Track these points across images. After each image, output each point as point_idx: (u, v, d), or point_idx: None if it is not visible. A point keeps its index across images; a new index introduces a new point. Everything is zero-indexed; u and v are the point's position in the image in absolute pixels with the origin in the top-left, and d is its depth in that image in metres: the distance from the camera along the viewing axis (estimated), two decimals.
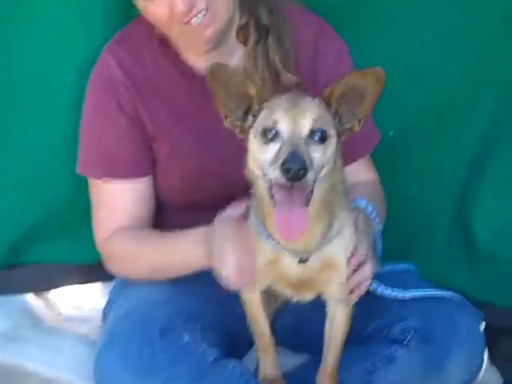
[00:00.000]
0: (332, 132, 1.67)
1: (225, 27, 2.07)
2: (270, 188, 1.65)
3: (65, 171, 2.32)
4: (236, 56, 2.18)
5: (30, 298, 2.73)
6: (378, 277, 2.02)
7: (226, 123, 1.77)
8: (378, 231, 2.13)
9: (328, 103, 1.69)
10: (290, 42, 2.14)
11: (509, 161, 2.45)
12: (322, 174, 1.67)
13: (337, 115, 1.71)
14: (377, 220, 2.09)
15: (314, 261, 1.83)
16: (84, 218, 2.28)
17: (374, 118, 2.27)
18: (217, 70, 1.68)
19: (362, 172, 2.29)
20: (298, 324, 2.27)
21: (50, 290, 2.72)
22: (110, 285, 2.46)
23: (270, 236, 1.80)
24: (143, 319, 1.99)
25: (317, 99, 1.69)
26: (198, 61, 2.15)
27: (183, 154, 2.18)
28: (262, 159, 1.66)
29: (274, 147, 1.64)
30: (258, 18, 2.13)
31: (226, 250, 1.82)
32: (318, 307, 2.00)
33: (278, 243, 1.80)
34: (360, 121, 1.72)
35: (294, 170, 1.53)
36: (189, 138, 2.17)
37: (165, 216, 2.31)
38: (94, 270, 2.54)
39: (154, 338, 1.94)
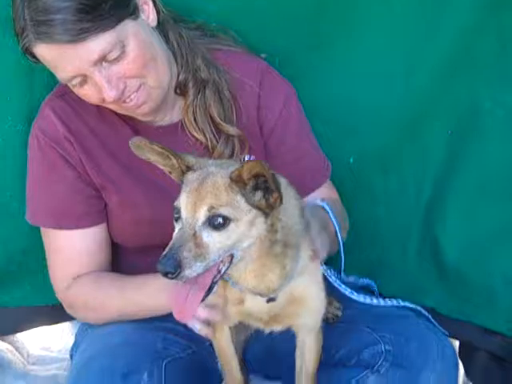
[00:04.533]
0: (240, 215, 1.61)
1: (161, 100, 2.04)
2: None
3: (22, 216, 2.25)
4: (177, 107, 2.17)
5: None
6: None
7: (173, 177, 1.76)
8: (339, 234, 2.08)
9: (243, 182, 1.62)
10: (229, 93, 2.14)
11: (470, 181, 2.46)
12: (244, 247, 1.64)
13: (256, 192, 1.64)
14: (331, 214, 2.04)
15: (278, 298, 1.81)
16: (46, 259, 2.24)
17: (333, 147, 2.34)
18: (139, 144, 1.70)
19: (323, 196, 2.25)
20: (269, 352, 2.24)
21: (17, 332, 2.68)
22: (78, 324, 2.42)
23: (233, 281, 1.78)
24: (106, 365, 1.92)
25: (227, 180, 1.62)
26: None
27: (134, 203, 2.15)
28: None
29: (177, 228, 1.64)
30: (196, 71, 2.11)
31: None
32: (288, 334, 1.97)
33: (242, 288, 1.78)
34: (276, 198, 1.63)
35: (162, 272, 1.55)
36: (139, 187, 2.15)
37: (120, 257, 2.28)
38: (60, 310, 2.47)
39: None
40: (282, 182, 1.69)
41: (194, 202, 1.61)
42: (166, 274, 1.55)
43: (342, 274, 2.10)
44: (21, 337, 2.74)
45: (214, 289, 1.66)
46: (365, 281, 2.30)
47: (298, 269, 1.78)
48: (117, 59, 1.89)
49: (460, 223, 2.50)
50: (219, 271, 1.65)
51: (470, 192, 2.47)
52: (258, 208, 1.63)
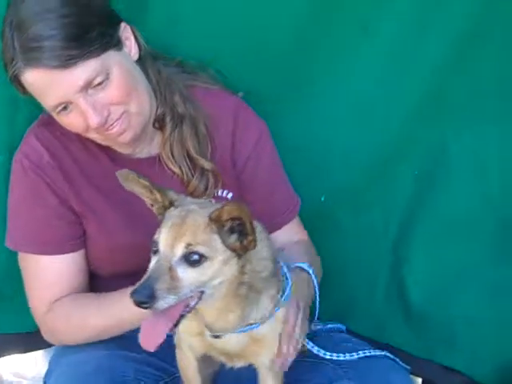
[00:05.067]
0: (214, 253, 1.69)
1: (141, 129, 2.12)
2: None
3: (0, 243, 2.29)
4: (155, 141, 2.25)
5: None
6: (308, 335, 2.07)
7: (154, 210, 1.84)
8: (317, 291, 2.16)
9: (221, 223, 1.70)
10: (205, 129, 2.23)
11: (435, 223, 2.55)
12: (215, 284, 1.71)
13: (232, 233, 1.72)
14: (315, 280, 2.13)
15: (239, 336, 1.88)
16: (21, 287, 2.27)
17: (304, 185, 2.41)
18: (126, 176, 1.80)
19: (291, 234, 2.35)
20: None
21: None
22: (52, 351, 2.43)
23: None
24: None
25: (206, 220, 1.70)
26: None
27: (110, 230, 2.21)
28: None
29: (154, 260, 1.71)
30: (174, 106, 2.20)
31: None
32: (254, 371, 2.03)
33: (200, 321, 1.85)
34: (251, 241, 1.72)
35: (136, 301, 1.62)
36: (116, 214, 2.21)
37: (96, 283, 2.32)
38: (35, 337, 2.50)
39: None
40: (257, 226, 1.77)
41: (173, 238, 1.68)
42: (139, 304, 1.62)
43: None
44: None
45: (181, 322, 1.73)
46: (333, 326, 2.34)
47: (258, 315, 1.86)
48: (101, 86, 1.97)
49: (424, 265, 2.58)
50: (187, 306, 1.72)
51: (434, 234, 2.55)
52: (233, 249, 1.72)
